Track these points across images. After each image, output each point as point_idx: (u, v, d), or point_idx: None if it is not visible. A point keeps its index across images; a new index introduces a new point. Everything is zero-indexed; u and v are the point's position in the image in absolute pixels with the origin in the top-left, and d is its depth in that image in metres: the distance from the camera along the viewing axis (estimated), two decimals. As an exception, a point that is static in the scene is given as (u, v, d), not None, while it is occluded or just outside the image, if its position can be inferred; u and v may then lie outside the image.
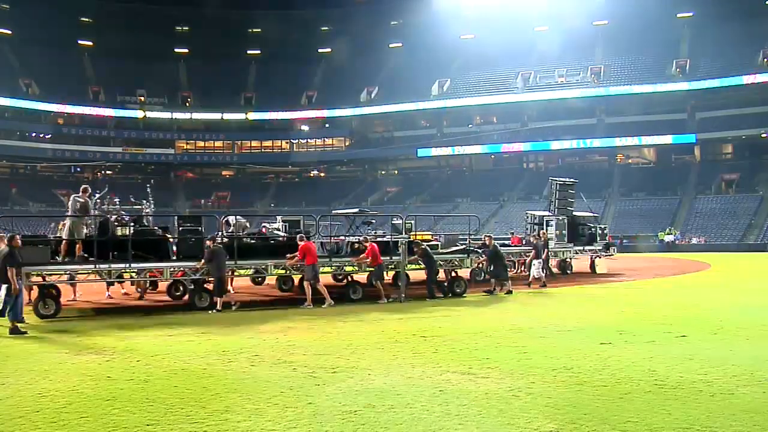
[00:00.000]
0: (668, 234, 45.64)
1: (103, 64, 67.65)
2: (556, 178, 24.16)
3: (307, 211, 57.49)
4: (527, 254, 18.50)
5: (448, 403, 5.35)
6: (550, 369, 6.60)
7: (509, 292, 14.86)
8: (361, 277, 17.73)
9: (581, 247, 22.11)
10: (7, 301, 9.39)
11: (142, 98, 68.12)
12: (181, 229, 12.86)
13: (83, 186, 13.07)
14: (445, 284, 14.90)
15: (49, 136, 63.23)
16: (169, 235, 13.30)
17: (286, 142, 70.29)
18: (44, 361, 7.27)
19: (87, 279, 12.36)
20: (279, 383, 6.11)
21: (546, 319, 10.45)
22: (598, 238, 22.74)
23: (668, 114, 57.94)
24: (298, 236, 13.09)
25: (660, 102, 57.74)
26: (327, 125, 70.56)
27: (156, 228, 13.89)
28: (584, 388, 5.81)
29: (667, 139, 56.95)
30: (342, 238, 16.21)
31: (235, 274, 14.07)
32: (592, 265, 22.50)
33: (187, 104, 70.88)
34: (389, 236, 16.14)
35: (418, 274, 15.43)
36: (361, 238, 14.51)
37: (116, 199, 14.26)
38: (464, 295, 14.51)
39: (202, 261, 12.04)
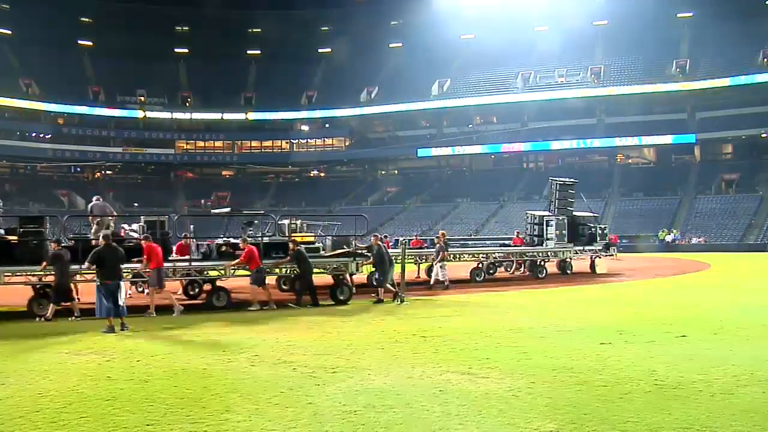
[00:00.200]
0: (668, 234, 45.61)
1: (103, 64, 67.61)
2: (556, 178, 24.15)
3: (307, 211, 57.64)
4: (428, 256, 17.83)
5: (448, 403, 5.35)
6: (550, 369, 6.60)
7: (379, 301, 13.20)
8: (362, 277, 17.76)
9: (581, 247, 22.11)
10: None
11: (142, 98, 68.09)
12: (22, 230, 11.72)
13: None
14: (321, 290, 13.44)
15: (49, 136, 63.20)
16: (11, 237, 12.14)
17: (286, 142, 70.27)
18: (44, 361, 7.27)
19: None
20: (279, 383, 6.11)
21: (546, 319, 10.45)
22: (598, 239, 22.74)
23: (668, 114, 57.95)
24: (143, 237, 12.02)
25: (660, 102, 57.74)
26: (327, 125, 70.53)
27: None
28: (584, 388, 5.81)
29: (667, 139, 56.93)
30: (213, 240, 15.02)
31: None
32: (592, 265, 22.50)
33: (187, 104, 70.86)
34: (269, 238, 14.81)
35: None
36: (239, 241, 13.31)
37: None
38: (348, 302, 13.03)
39: (44, 264, 11.07)
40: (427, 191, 62.79)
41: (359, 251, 14.37)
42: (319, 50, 73.74)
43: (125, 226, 15.04)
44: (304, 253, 12.97)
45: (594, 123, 60.61)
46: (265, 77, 70.72)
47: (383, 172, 70.96)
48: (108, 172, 69.37)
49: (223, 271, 12.91)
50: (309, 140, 70.80)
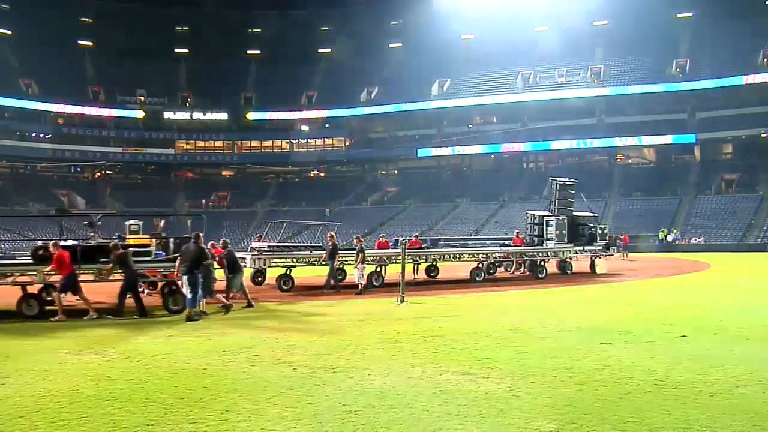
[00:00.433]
0: (668, 234, 45.61)
1: (103, 64, 67.65)
2: (556, 178, 24.12)
3: (307, 211, 57.68)
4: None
5: (448, 403, 5.35)
6: (550, 369, 6.60)
7: (226, 307, 11.88)
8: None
9: (581, 247, 22.11)
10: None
11: (142, 98, 68.13)
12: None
13: None
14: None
15: (49, 136, 63.24)
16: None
17: (286, 142, 70.28)
18: (44, 361, 7.27)
19: None
20: (279, 383, 6.11)
21: (546, 319, 10.45)
22: (598, 238, 22.73)
23: (668, 114, 57.98)
24: (52, 243, 11.48)
25: (660, 102, 57.78)
26: (327, 125, 70.53)
27: None
28: (584, 388, 5.81)
29: (667, 139, 56.97)
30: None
31: None
32: (592, 265, 22.49)
33: (187, 104, 70.89)
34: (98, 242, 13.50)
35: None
36: (51, 243, 11.88)
37: None
38: (182, 313, 11.44)
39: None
40: (427, 191, 62.78)
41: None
42: (319, 50, 73.76)
43: None
44: (130, 257, 11.89)
45: (594, 123, 60.63)
46: (265, 77, 70.73)
47: (383, 172, 70.97)
48: (108, 172, 69.44)
49: (36, 277, 11.84)
50: (309, 140, 70.81)
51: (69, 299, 11.78)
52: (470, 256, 20.02)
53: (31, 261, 12.25)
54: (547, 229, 21.65)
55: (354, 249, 16.97)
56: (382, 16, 70.31)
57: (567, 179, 24.34)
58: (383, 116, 66.94)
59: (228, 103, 69.50)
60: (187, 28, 74.50)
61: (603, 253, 23.06)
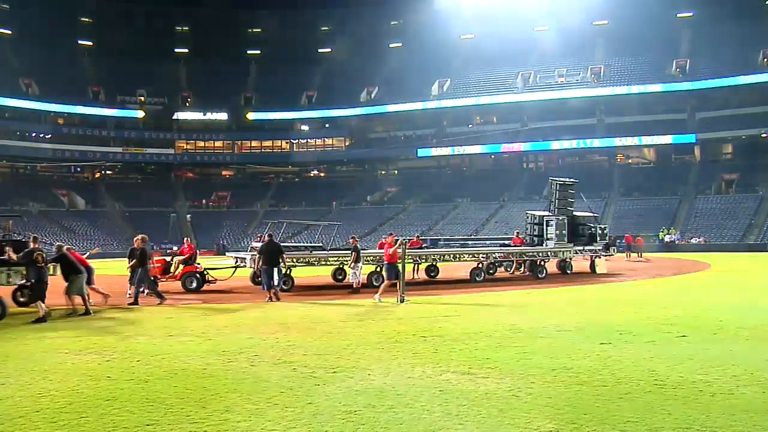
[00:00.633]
0: (667, 234, 45.60)
1: (103, 64, 67.67)
2: (556, 178, 24.11)
3: (307, 211, 57.70)
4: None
5: (448, 403, 5.35)
6: (550, 369, 6.60)
7: (40, 320, 10.76)
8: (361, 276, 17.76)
9: (581, 247, 22.10)
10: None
11: (142, 98, 68.15)
12: None
13: None
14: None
15: (49, 136, 63.23)
16: None
17: (286, 142, 70.29)
18: (44, 361, 7.27)
19: None
20: (279, 383, 6.11)
21: (546, 319, 10.45)
22: (598, 239, 22.72)
23: (668, 114, 57.98)
24: None
25: (660, 102, 57.80)
26: (327, 125, 70.56)
27: None
28: (584, 388, 5.81)
29: (667, 139, 56.96)
30: None
31: None
32: (592, 265, 22.49)
33: (187, 104, 70.92)
34: None
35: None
36: None
37: None
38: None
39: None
40: (427, 191, 62.81)
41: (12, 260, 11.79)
42: (319, 50, 73.81)
43: None
44: None
45: (594, 123, 60.64)
46: (265, 77, 70.78)
47: (383, 172, 70.99)
48: (108, 172, 69.46)
49: None
50: (309, 140, 70.83)
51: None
52: (470, 256, 20.02)
53: None
54: (547, 229, 21.65)
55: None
56: (382, 16, 70.35)
57: (567, 179, 24.32)
58: (383, 116, 66.97)
59: (228, 103, 69.50)
60: (187, 28, 74.57)
61: (603, 253, 23.06)
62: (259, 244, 19.58)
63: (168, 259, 17.65)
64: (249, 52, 74.34)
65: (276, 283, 14.10)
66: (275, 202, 64.86)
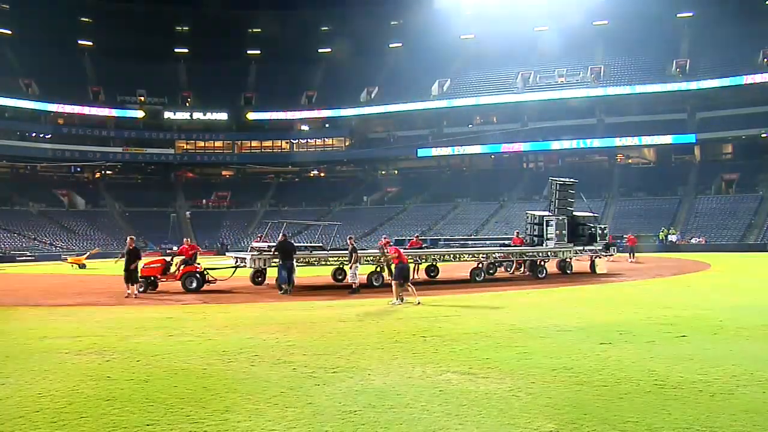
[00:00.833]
0: (667, 234, 45.58)
1: (103, 64, 67.63)
2: (556, 178, 24.08)
3: (306, 211, 57.70)
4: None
5: (448, 403, 5.35)
6: (550, 369, 6.60)
7: None
8: (361, 277, 17.78)
9: (581, 247, 22.09)
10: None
11: (142, 98, 68.12)
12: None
13: None
14: None
15: (49, 136, 63.17)
16: None
17: (286, 142, 70.25)
18: (44, 361, 7.27)
19: None
20: (279, 383, 6.11)
21: (546, 319, 10.45)
22: (598, 238, 22.71)
23: (668, 114, 57.91)
24: None
25: (660, 102, 57.73)
26: (327, 125, 70.51)
27: None
28: (584, 388, 5.81)
29: (667, 139, 56.91)
30: None
31: None
32: (592, 265, 22.48)
33: (187, 104, 70.88)
34: None
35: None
36: None
37: None
38: None
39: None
40: (427, 191, 62.80)
41: None
42: (319, 50, 73.79)
43: None
44: None
45: (594, 123, 60.61)
46: (265, 77, 70.75)
47: (383, 172, 70.98)
48: (108, 172, 69.45)
49: None
50: (309, 140, 70.79)
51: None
52: (470, 256, 20.02)
53: None
54: (547, 229, 21.64)
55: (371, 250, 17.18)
56: (382, 16, 70.31)
57: (567, 179, 24.31)
58: (383, 116, 66.91)
59: (228, 103, 69.47)
60: (187, 28, 74.55)
61: (603, 253, 23.05)
62: (260, 244, 19.65)
63: (168, 259, 17.66)
64: (249, 52, 74.32)
65: (290, 279, 15.31)
66: (275, 202, 64.86)
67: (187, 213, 62.11)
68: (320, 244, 20.60)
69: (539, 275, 19.80)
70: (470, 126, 65.27)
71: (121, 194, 64.53)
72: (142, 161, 69.44)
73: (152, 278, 16.57)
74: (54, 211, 58.94)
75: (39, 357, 7.60)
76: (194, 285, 16.45)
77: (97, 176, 68.49)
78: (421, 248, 20.75)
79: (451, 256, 19.80)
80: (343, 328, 9.84)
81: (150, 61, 67.02)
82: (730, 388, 5.77)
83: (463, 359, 7.19)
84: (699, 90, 55.23)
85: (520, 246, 21.70)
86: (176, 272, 17.04)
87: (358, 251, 16.62)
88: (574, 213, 22.94)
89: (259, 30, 73.34)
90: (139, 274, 15.86)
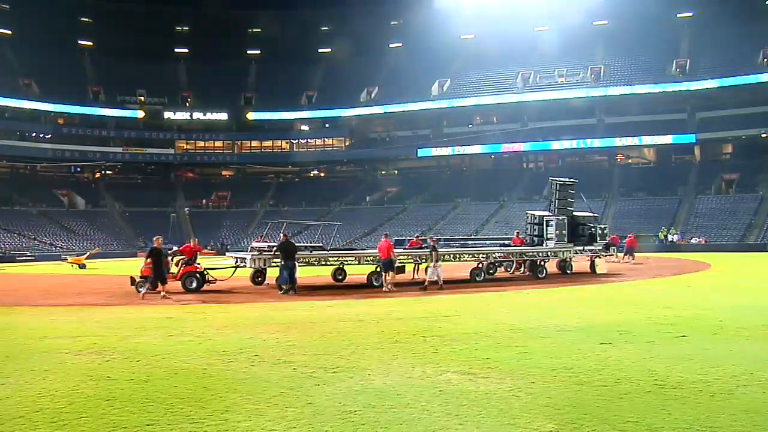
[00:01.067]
0: (667, 233, 45.58)
1: (103, 64, 67.67)
2: (556, 178, 24.07)
3: (306, 211, 57.70)
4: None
5: (448, 403, 5.35)
6: (550, 369, 6.60)
7: None
8: (361, 277, 17.80)
9: (581, 247, 22.09)
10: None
11: (142, 98, 68.14)
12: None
13: None
14: None
15: (49, 136, 63.22)
16: None
17: (286, 142, 70.28)
18: (44, 361, 7.27)
19: None
20: (279, 383, 6.11)
21: (546, 319, 10.45)
22: (598, 238, 22.71)
23: (668, 114, 57.93)
24: None
25: (660, 102, 57.74)
26: (327, 125, 70.53)
27: None
28: (584, 388, 5.81)
29: (667, 139, 56.93)
30: None
31: None
32: (592, 265, 22.48)
33: (187, 104, 70.91)
34: None
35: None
36: None
37: None
38: None
39: None
40: (427, 191, 62.83)
41: None
42: (319, 50, 73.81)
43: None
44: None
45: (594, 123, 60.62)
46: (265, 77, 70.77)
47: (383, 172, 70.99)
48: (108, 172, 69.46)
49: None
50: (309, 140, 70.81)
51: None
52: (470, 256, 20.01)
53: None
54: (547, 229, 21.64)
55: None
56: (382, 16, 70.33)
57: (567, 179, 24.30)
58: (383, 116, 66.93)
59: (228, 103, 69.50)
60: (187, 28, 74.57)
61: (603, 253, 23.05)
62: (260, 244, 19.67)
63: (168, 259, 17.64)
64: (249, 52, 74.35)
65: (291, 279, 15.58)
66: (275, 202, 64.88)
67: (186, 209, 62.14)
68: (320, 244, 20.58)
69: (539, 275, 19.80)
70: (470, 126, 65.30)
71: (121, 194, 64.55)
72: (142, 161, 69.48)
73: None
74: (54, 211, 58.95)
75: (39, 357, 7.59)
76: (194, 285, 16.45)
77: (97, 176, 68.50)
78: (420, 248, 20.73)
79: (451, 256, 19.79)
80: (343, 328, 9.83)
81: (150, 61, 67.05)
82: (730, 388, 5.77)
83: (463, 359, 7.18)
84: (699, 90, 55.23)
85: (520, 246, 21.70)
86: (177, 272, 17.03)
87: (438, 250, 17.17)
88: (574, 213, 22.93)
89: (259, 30, 73.37)
90: (140, 275, 15.91)
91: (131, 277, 16.86)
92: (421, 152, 64.28)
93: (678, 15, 62.59)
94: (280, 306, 13.21)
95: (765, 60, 54.81)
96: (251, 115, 69.45)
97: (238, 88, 71.05)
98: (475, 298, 14.43)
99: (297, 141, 70.53)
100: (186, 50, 73.53)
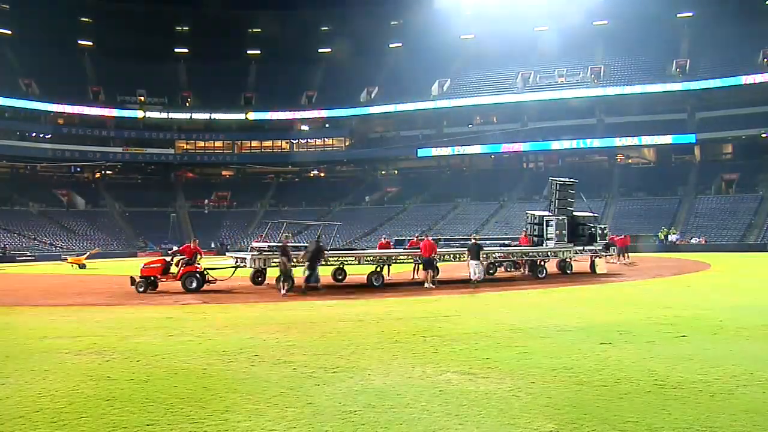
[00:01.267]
0: (667, 233, 45.57)
1: (103, 64, 67.67)
2: (556, 178, 24.07)
3: (306, 211, 57.69)
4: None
5: (448, 403, 5.35)
6: (550, 369, 6.60)
7: None
8: (361, 277, 17.80)
9: (581, 247, 22.08)
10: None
11: (142, 98, 68.13)
12: None
13: None
14: None
15: (49, 136, 63.22)
16: None
17: (286, 142, 70.28)
18: (44, 361, 7.27)
19: None
20: (279, 383, 6.11)
21: (546, 319, 10.45)
22: (598, 238, 22.70)
23: (668, 114, 57.95)
24: None
25: (660, 102, 57.75)
26: (327, 125, 70.55)
27: None
28: (584, 388, 5.81)
29: (667, 139, 56.94)
30: None
31: None
32: (592, 265, 22.47)
33: (187, 104, 70.91)
34: None
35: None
36: None
37: None
38: None
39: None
40: (427, 191, 62.83)
41: None
42: (319, 50, 73.82)
43: None
44: None
45: (594, 123, 60.62)
46: (265, 77, 70.77)
47: (383, 172, 70.98)
48: (108, 172, 69.45)
49: None
50: (309, 140, 70.81)
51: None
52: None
53: None
54: (547, 229, 21.63)
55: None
56: (382, 16, 70.34)
57: (567, 179, 24.29)
58: (383, 116, 66.95)
59: (228, 103, 69.46)
60: (187, 28, 74.57)
61: (603, 253, 23.04)
62: (260, 244, 19.67)
63: (168, 258, 17.64)
64: (249, 52, 74.35)
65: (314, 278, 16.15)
66: (275, 202, 64.87)
67: (187, 208, 62.18)
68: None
69: (539, 275, 19.80)
70: (470, 126, 65.31)
71: (121, 194, 64.55)
72: (142, 161, 69.47)
73: (152, 278, 16.58)
74: (54, 211, 58.95)
75: (39, 357, 7.59)
76: (194, 285, 16.44)
77: (97, 176, 68.50)
78: (419, 248, 20.69)
79: (451, 256, 19.78)
80: (343, 328, 9.83)
81: (150, 61, 67.06)
82: (730, 388, 5.77)
83: (463, 359, 7.18)
84: (699, 90, 55.25)
85: (527, 246, 21.65)
86: (177, 272, 17.03)
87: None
88: (574, 213, 22.92)
89: (259, 30, 73.39)
90: (140, 275, 15.93)
91: (131, 277, 16.86)
92: (421, 152, 64.29)
93: (678, 15, 62.61)
94: (280, 306, 13.21)
95: (765, 60, 54.82)
96: (251, 115, 69.44)
97: (238, 88, 71.04)
98: (475, 298, 14.43)
99: (297, 141, 70.53)
100: (186, 50, 73.54)
